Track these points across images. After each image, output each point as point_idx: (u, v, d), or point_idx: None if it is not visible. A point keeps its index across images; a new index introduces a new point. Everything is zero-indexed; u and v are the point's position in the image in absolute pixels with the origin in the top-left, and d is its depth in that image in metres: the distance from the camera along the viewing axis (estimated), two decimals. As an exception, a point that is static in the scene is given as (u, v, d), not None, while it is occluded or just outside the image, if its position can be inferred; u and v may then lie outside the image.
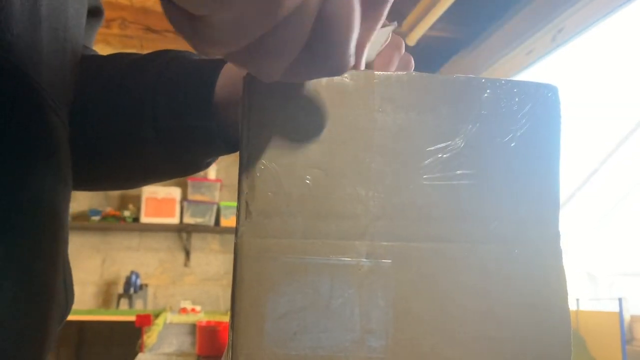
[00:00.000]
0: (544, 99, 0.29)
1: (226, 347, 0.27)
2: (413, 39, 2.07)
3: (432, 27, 2.00)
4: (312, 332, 0.25)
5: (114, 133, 0.40)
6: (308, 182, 0.27)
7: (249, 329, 0.25)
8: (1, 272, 0.28)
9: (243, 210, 0.26)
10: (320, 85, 0.27)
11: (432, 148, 0.28)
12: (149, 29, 2.77)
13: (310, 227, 0.26)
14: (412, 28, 2.04)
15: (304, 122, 0.27)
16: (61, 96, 0.33)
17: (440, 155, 0.28)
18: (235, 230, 0.26)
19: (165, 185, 3.14)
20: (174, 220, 3.04)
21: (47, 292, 0.32)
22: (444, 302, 0.26)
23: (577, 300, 1.88)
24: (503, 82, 0.29)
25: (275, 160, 0.27)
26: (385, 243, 0.27)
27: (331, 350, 0.25)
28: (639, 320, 1.78)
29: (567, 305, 0.28)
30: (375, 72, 0.28)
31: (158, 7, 1.89)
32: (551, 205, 0.29)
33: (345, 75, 0.28)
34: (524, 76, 2.09)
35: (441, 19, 1.94)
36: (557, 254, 0.28)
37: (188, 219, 3.05)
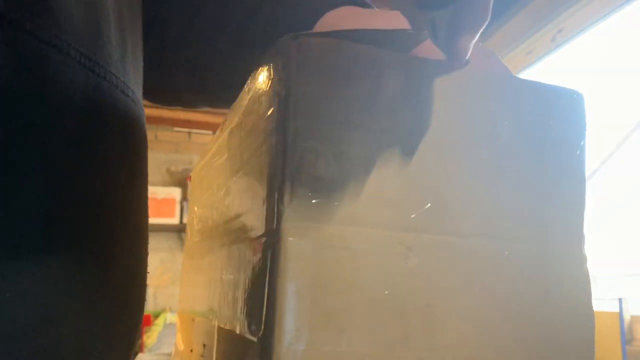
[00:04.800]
0: (572, 104, 0.30)
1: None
2: (413, 39, 2.07)
3: (432, 27, 2.00)
4: (360, 328, 0.24)
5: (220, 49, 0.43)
6: (356, 167, 0.25)
7: (289, 323, 0.23)
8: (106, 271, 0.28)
9: (288, 190, 0.24)
10: (368, 66, 0.26)
11: (474, 143, 0.28)
12: None
13: (357, 215, 0.25)
14: (412, 28, 2.03)
15: (355, 104, 0.26)
16: (132, 76, 0.32)
17: (480, 152, 0.28)
18: (276, 213, 0.24)
19: (165, 186, 3.14)
20: (174, 220, 3.04)
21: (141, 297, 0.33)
22: (486, 301, 0.26)
23: (577, 300, 1.87)
24: (534, 83, 0.29)
25: (325, 141, 0.25)
26: (430, 236, 0.26)
27: (377, 346, 0.24)
28: (639, 321, 1.77)
29: (592, 310, 0.28)
30: (425, 60, 0.28)
31: None
32: (577, 209, 0.29)
33: (397, 59, 0.27)
34: (524, 76, 2.09)
35: (441, 19, 1.94)
36: (582, 257, 0.29)
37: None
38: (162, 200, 3.05)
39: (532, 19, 1.91)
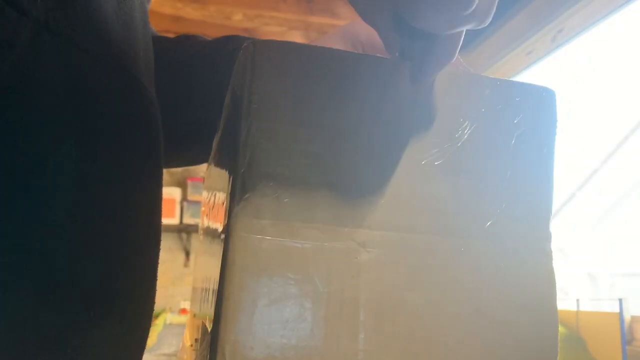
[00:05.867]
0: (541, 102, 0.29)
1: (197, 339, 0.26)
2: (413, 39, 2.07)
3: (432, 28, 2.00)
4: (306, 321, 0.24)
5: (185, 122, 0.42)
6: (308, 165, 0.26)
7: (238, 315, 0.24)
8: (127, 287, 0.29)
9: (239, 188, 0.25)
10: (325, 69, 0.27)
11: (434, 142, 0.27)
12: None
13: (308, 211, 0.25)
14: (412, 28, 2.03)
15: (308, 104, 0.26)
16: (153, 87, 0.33)
17: (441, 150, 0.27)
18: (229, 210, 0.25)
19: (165, 186, 3.14)
20: (174, 220, 3.04)
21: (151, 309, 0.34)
22: (438, 297, 0.26)
23: (577, 300, 1.88)
24: (503, 82, 0.29)
25: (277, 139, 0.25)
26: (382, 232, 0.26)
27: (324, 340, 0.24)
28: (639, 321, 1.77)
29: (556, 307, 0.28)
30: (381, 61, 0.28)
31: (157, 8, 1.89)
32: (544, 206, 0.29)
33: (354, 59, 0.27)
34: (524, 77, 2.09)
35: (441, 19, 1.94)
36: (547, 255, 0.28)
37: (188, 220, 3.05)
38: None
39: (532, 19, 1.91)
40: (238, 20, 1.95)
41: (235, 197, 0.25)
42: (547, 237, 0.28)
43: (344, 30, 0.37)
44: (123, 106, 0.29)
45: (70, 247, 0.25)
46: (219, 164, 0.32)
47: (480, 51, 2.15)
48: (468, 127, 0.28)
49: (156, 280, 0.34)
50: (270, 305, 0.24)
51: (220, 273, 0.24)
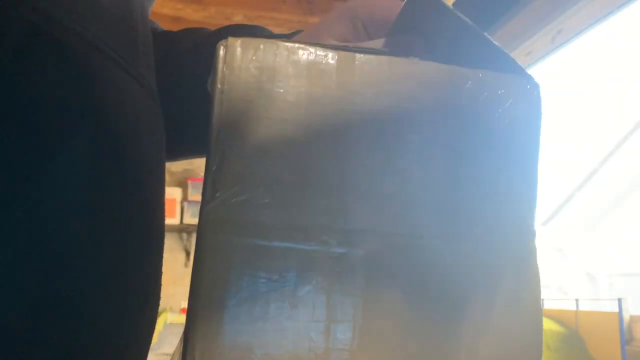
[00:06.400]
0: (525, 95, 0.28)
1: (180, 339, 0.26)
2: (413, 39, 2.07)
3: (432, 28, 2.00)
4: (276, 320, 0.24)
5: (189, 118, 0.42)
6: (280, 163, 0.25)
7: (208, 314, 0.23)
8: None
9: (210, 187, 0.24)
10: (299, 64, 0.26)
11: (412, 137, 0.26)
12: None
13: (281, 210, 0.25)
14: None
15: (281, 101, 0.25)
16: (153, 80, 0.33)
17: (419, 146, 0.26)
18: (200, 209, 0.25)
19: (165, 186, 3.14)
20: (175, 220, 3.04)
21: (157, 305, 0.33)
22: (415, 298, 0.25)
23: (577, 300, 1.88)
24: (485, 73, 0.28)
25: (248, 136, 0.25)
26: (358, 231, 0.25)
27: (295, 339, 0.24)
28: (638, 321, 1.77)
29: (540, 306, 0.27)
30: (357, 54, 0.27)
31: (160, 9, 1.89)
32: (528, 203, 0.28)
33: (326, 54, 0.26)
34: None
35: (441, 19, 1.94)
36: (531, 253, 0.27)
37: (189, 220, 3.05)
38: (162, 201, 3.05)
39: (532, 19, 1.91)
40: (238, 21, 1.95)
41: (207, 196, 0.24)
42: (531, 236, 0.27)
43: (343, 9, 0.35)
44: (121, 100, 0.28)
45: (71, 248, 0.25)
46: None
47: (480, 51, 2.14)
48: (447, 123, 0.27)
49: (160, 280, 0.34)
50: (240, 305, 0.23)
51: (192, 272, 0.24)
